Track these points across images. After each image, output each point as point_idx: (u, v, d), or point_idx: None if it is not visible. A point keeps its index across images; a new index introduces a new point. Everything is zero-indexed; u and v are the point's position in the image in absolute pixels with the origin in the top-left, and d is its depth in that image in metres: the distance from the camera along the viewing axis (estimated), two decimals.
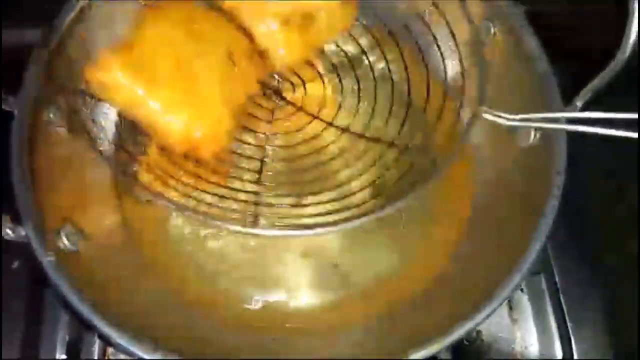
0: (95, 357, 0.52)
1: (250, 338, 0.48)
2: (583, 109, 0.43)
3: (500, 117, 0.43)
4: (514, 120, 0.43)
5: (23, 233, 0.41)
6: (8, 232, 0.40)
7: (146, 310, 0.44)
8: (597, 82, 0.43)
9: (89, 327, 0.40)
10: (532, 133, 0.47)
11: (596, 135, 0.38)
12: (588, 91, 0.43)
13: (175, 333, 0.43)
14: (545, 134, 0.47)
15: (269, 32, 0.46)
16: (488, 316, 0.41)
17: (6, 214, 0.40)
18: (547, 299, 0.56)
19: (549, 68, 0.48)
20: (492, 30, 0.50)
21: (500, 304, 0.42)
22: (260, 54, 0.47)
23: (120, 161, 0.51)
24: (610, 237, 0.58)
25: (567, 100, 0.45)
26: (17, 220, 0.41)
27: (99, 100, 0.43)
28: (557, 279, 0.56)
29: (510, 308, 0.57)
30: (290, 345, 0.47)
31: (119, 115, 0.52)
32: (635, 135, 0.37)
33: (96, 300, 0.40)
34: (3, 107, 0.43)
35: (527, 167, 0.48)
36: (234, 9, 0.46)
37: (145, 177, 0.49)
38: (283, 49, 0.47)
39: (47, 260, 0.40)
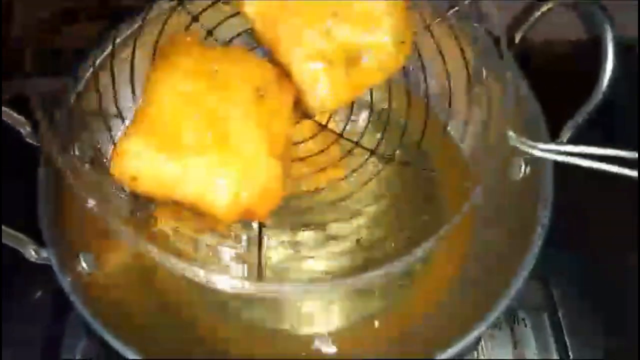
0: None
1: None
2: (568, 143, 0.46)
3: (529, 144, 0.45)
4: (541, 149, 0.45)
5: (45, 255, 0.44)
6: (32, 254, 0.44)
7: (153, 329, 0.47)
8: (577, 118, 0.45)
9: (103, 344, 0.43)
10: (523, 167, 0.50)
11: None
12: (570, 127, 0.46)
13: None
14: (535, 168, 0.49)
15: (311, 72, 0.41)
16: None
17: (31, 238, 0.44)
18: (550, 335, 0.57)
19: (539, 108, 0.51)
20: (485, 74, 0.54)
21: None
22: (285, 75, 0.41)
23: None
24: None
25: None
26: (40, 244, 0.45)
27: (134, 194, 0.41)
28: (560, 317, 0.57)
29: (515, 346, 0.58)
30: None
31: None
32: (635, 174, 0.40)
33: (109, 318, 0.43)
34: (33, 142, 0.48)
35: (519, 199, 0.50)
36: (272, 44, 0.41)
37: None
38: (327, 91, 0.41)
39: (66, 280, 0.44)
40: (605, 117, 0.44)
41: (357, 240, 0.53)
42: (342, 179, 0.47)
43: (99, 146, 0.47)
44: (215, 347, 0.51)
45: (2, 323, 0.54)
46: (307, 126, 0.48)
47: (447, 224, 0.40)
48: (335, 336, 0.52)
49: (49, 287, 0.56)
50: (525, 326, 0.58)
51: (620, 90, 0.46)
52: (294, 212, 0.45)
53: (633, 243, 0.56)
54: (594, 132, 0.45)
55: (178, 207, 0.41)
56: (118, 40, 0.51)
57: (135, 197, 0.49)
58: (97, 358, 0.54)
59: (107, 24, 0.53)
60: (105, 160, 0.50)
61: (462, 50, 0.52)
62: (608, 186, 0.61)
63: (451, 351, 0.42)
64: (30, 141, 0.48)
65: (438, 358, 0.42)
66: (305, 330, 0.52)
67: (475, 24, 0.51)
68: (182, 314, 0.52)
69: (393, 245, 0.49)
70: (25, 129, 0.47)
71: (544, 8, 0.48)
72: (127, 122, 0.52)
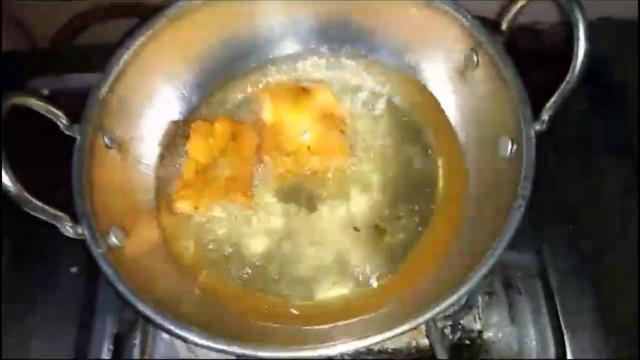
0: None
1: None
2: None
3: None
4: None
5: (80, 231, 0.51)
6: (69, 230, 0.50)
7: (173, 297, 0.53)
8: (556, 99, 0.49)
9: (134, 310, 0.48)
10: (510, 145, 0.54)
11: None
12: (549, 108, 0.50)
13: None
14: (521, 147, 0.53)
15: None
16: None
17: (67, 215, 0.51)
18: (543, 301, 0.61)
19: (523, 90, 0.54)
20: (475, 59, 0.58)
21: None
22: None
23: (160, 178, 0.62)
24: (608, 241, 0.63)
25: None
26: (75, 221, 0.51)
27: None
28: (551, 282, 0.61)
29: (510, 309, 0.62)
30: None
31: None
32: None
33: (136, 285, 0.49)
34: (68, 133, 0.54)
35: (506, 174, 0.54)
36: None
37: (180, 195, 0.60)
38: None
39: (98, 252, 0.50)
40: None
41: None
42: None
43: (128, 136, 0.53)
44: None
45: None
46: None
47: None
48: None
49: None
50: (520, 293, 0.62)
51: None
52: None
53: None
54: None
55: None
56: (146, 36, 0.57)
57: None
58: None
59: (137, 21, 0.59)
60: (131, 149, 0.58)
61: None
62: (599, 164, 0.66)
63: (448, 302, 0.47)
64: (66, 132, 0.54)
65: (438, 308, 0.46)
66: None
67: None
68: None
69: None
70: (62, 122, 0.53)
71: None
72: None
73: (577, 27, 0.46)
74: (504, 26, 0.56)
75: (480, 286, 0.59)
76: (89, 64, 0.62)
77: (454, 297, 0.46)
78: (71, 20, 0.77)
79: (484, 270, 0.47)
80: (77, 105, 0.55)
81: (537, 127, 0.52)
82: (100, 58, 0.58)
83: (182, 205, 0.60)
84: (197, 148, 0.62)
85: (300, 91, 0.65)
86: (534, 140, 0.51)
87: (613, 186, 0.65)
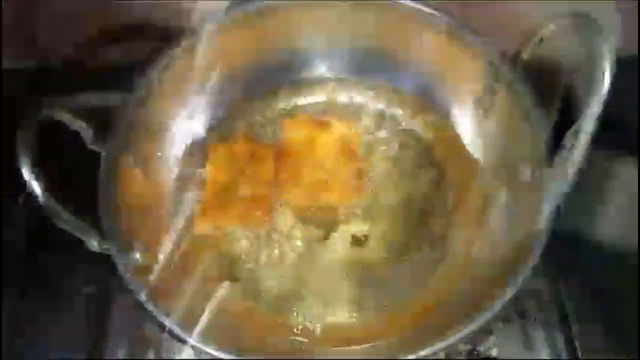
0: None
1: None
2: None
3: None
4: None
5: (106, 246, 0.51)
6: (95, 245, 0.51)
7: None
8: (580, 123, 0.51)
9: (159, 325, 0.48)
10: (529, 172, 0.55)
11: None
12: (573, 133, 0.52)
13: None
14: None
15: None
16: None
17: (95, 230, 0.51)
18: (558, 329, 0.61)
19: (544, 119, 0.55)
20: (495, 88, 0.60)
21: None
22: None
23: (181, 196, 0.62)
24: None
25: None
26: (102, 237, 0.51)
27: None
28: (567, 311, 0.62)
29: (525, 338, 0.62)
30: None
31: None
32: None
33: (160, 301, 0.49)
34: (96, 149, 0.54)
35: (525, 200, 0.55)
36: None
37: (201, 216, 0.60)
38: None
39: (125, 268, 0.50)
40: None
41: None
42: None
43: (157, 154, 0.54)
44: None
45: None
46: None
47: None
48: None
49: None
50: (535, 320, 0.62)
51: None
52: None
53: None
54: None
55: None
56: (173, 56, 0.58)
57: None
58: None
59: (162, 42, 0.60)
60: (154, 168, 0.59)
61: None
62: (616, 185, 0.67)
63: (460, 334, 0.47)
64: (93, 147, 0.54)
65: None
66: None
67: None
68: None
69: None
70: (89, 137, 0.54)
71: (550, 28, 0.53)
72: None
73: (602, 60, 0.47)
74: (524, 56, 0.57)
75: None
76: (100, 84, 0.60)
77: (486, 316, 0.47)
78: (90, 39, 0.78)
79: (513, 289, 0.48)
80: (106, 123, 0.56)
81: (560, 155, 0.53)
82: (128, 76, 0.59)
83: (203, 226, 0.60)
84: (216, 169, 0.63)
85: (322, 124, 0.66)
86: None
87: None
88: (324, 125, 0.66)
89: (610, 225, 0.66)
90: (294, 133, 0.65)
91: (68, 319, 0.62)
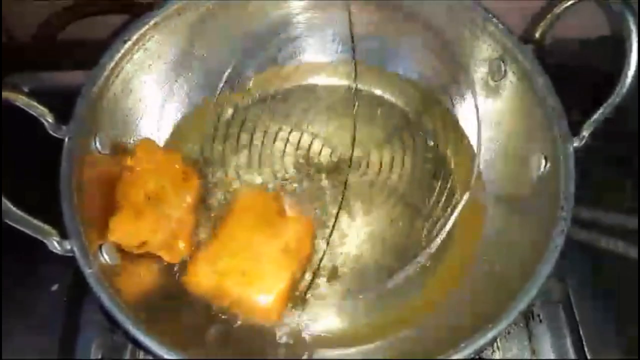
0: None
1: None
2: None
3: None
4: None
5: (68, 247, 0.45)
6: (55, 246, 0.44)
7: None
8: (600, 114, 0.46)
9: (123, 332, 0.43)
10: (543, 162, 0.50)
11: None
12: (592, 123, 0.47)
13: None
14: (555, 163, 0.49)
15: None
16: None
17: (55, 229, 0.45)
18: (566, 330, 0.57)
19: (559, 102, 0.50)
20: (503, 69, 0.54)
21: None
22: None
23: None
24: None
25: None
26: (63, 236, 0.45)
27: None
28: (575, 311, 0.58)
29: (530, 339, 0.58)
30: None
31: None
32: None
33: (128, 306, 0.43)
34: (56, 135, 0.48)
35: (540, 194, 0.50)
36: None
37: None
38: None
39: (88, 271, 0.44)
40: None
41: None
42: None
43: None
44: None
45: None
46: None
47: None
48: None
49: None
50: (540, 321, 0.58)
51: None
52: None
53: None
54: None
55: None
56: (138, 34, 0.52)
57: None
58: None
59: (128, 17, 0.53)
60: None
61: None
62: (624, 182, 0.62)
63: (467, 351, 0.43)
64: (53, 133, 0.48)
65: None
66: None
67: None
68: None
69: None
70: (48, 121, 0.47)
71: (567, 4, 0.48)
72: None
73: (630, 37, 0.43)
74: (537, 34, 0.52)
75: None
76: (70, 61, 0.58)
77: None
78: (56, 13, 0.71)
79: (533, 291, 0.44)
80: (57, 105, 0.49)
81: (576, 144, 0.48)
82: (81, 55, 0.53)
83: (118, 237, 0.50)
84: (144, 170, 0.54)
85: (278, 212, 0.55)
86: (573, 158, 0.47)
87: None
88: (278, 215, 0.55)
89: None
90: (237, 213, 0.54)
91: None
